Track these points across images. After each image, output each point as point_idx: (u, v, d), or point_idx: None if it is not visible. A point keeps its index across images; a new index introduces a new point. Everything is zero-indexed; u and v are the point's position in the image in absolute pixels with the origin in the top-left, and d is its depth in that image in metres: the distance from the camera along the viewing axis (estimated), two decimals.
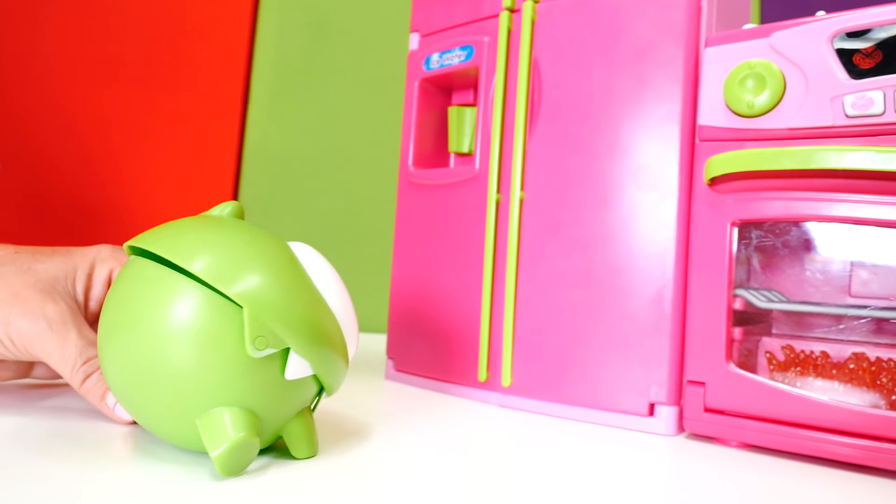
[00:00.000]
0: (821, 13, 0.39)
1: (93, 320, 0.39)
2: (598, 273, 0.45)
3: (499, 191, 0.49)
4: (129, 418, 0.36)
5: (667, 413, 0.43)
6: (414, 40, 0.58)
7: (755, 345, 0.46)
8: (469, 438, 0.39)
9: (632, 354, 0.43)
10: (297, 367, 0.30)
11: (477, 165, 0.51)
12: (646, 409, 0.43)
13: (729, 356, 0.41)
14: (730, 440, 0.41)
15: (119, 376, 0.30)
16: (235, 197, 1.06)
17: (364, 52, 1.01)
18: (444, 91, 0.58)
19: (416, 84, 0.56)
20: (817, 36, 0.38)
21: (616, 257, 0.44)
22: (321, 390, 0.34)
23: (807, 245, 0.43)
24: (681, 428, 0.43)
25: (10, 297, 0.35)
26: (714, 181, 0.41)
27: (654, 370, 0.42)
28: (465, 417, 0.45)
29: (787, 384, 0.44)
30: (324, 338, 0.30)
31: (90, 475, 0.28)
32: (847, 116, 0.37)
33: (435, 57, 0.55)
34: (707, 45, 0.42)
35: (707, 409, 0.41)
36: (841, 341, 0.43)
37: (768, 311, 0.46)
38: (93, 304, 0.39)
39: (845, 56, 0.37)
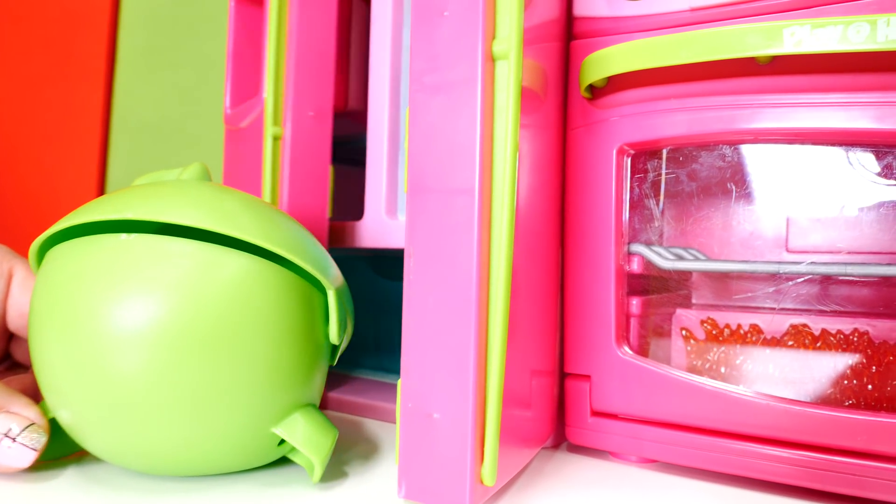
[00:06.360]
0: None
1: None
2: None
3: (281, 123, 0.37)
4: None
5: None
6: None
7: (667, 319, 0.34)
8: None
9: None
10: None
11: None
12: None
13: (621, 337, 0.29)
14: (626, 455, 0.30)
15: None
16: (103, 172, 0.92)
17: None
18: None
19: (232, 2, 0.43)
20: None
21: None
22: None
23: (725, 180, 0.32)
24: (561, 438, 0.31)
25: None
26: (594, 92, 0.29)
27: None
28: None
29: (708, 372, 0.32)
30: None
31: None
32: None
33: None
34: None
35: (595, 413, 0.30)
36: (776, 310, 0.31)
37: (685, 276, 0.35)
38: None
39: None
